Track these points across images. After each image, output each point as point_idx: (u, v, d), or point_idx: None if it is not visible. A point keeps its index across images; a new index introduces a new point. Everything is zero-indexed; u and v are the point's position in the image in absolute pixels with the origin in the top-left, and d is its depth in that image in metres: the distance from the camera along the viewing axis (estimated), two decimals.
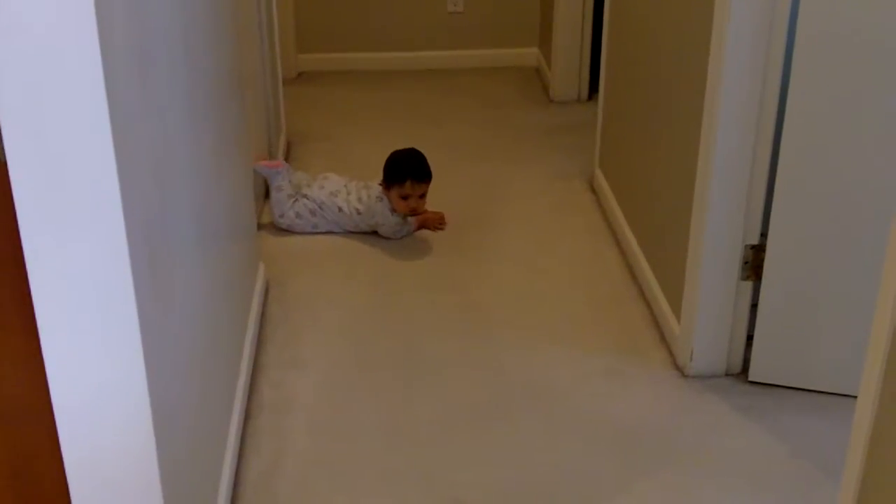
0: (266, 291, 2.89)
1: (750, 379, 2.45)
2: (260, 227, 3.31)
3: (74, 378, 1.36)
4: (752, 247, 2.36)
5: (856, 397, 1.31)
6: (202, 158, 1.94)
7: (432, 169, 3.25)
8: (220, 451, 2.02)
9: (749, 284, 2.40)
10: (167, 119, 1.61)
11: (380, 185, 3.24)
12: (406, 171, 3.20)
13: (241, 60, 2.72)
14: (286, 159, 3.85)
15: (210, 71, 2.10)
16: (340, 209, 3.25)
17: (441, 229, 3.31)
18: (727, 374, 2.49)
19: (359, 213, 3.24)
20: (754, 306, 2.41)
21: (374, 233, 3.27)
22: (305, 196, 3.28)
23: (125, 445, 1.41)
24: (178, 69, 1.72)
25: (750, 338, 2.44)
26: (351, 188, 3.30)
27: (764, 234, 2.33)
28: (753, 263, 2.37)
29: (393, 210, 3.21)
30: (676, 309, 2.56)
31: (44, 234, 1.27)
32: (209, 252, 1.97)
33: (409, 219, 3.25)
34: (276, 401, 2.41)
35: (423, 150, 3.29)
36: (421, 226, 3.30)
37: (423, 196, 3.22)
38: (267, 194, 3.47)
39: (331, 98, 4.69)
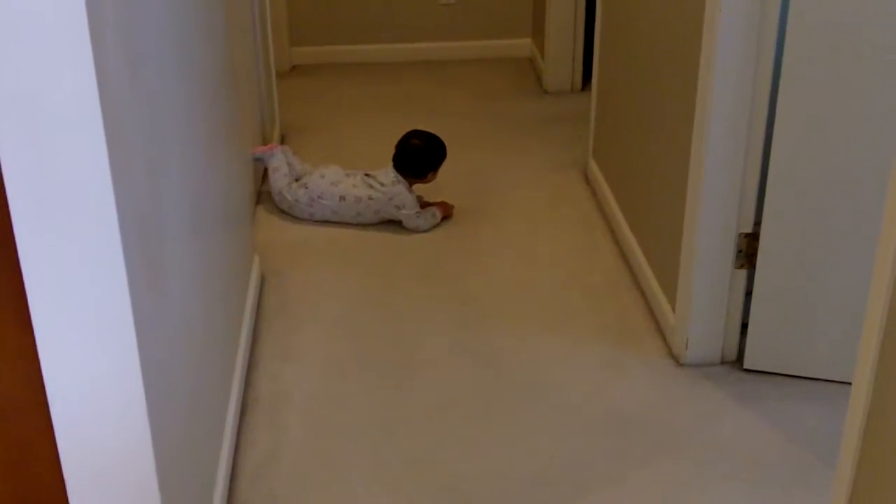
0: (262, 283, 2.89)
1: (745, 367, 2.46)
2: (259, 200, 3.34)
3: (69, 372, 1.36)
4: (746, 235, 2.36)
5: (850, 384, 1.31)
6: (195, 152, 1.94)
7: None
8: (217, 444, 2.02)
9: (743, 273, 2.41)
10: (159, 113, 1.61)
11: (396, 171, 3.27)
12: (440, 155, 3.32)
13: (235, 54, 2.72)
14: None
15: (202, 64, 2.09)
16: (342, 198, 3.25)
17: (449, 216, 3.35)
18: (722, 363, 2.49)
19: (370, 199, 3.23)
20: (749, 294, 2.42)
21: (370, 225, 3.27)
22: (305, 185, 3.28)
23: (121, 439, 1.41)
24: (169, 63, 1.72)
25: (745, 326, 2.45)
26: (356, 179, 3.29)
27: (758, 223, 2.34)
28: (747, 252, 2.37)
29: (411, 189, 3.26)
30: (671, 298, 2.56)
31: (37, 227, 1.26)
32: (204, 245, 1.97)
33: (436, 212, 3.26)
34: (273, 393, 2.41)
35: None
36: (445, 216, 3.32)
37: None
38: (265, 176, 3.51)
39: (325, 91, 4.68)
